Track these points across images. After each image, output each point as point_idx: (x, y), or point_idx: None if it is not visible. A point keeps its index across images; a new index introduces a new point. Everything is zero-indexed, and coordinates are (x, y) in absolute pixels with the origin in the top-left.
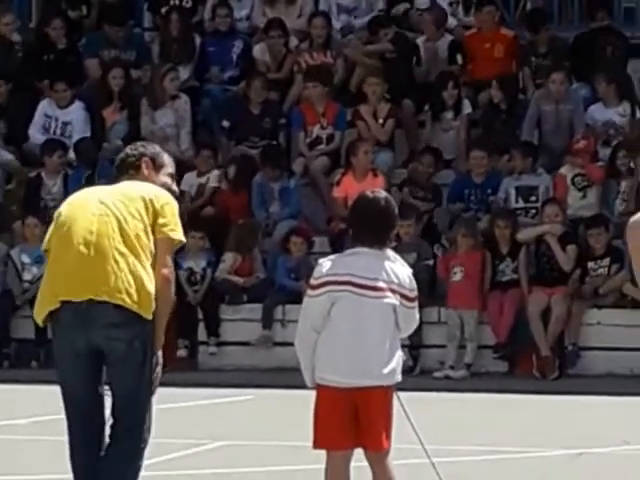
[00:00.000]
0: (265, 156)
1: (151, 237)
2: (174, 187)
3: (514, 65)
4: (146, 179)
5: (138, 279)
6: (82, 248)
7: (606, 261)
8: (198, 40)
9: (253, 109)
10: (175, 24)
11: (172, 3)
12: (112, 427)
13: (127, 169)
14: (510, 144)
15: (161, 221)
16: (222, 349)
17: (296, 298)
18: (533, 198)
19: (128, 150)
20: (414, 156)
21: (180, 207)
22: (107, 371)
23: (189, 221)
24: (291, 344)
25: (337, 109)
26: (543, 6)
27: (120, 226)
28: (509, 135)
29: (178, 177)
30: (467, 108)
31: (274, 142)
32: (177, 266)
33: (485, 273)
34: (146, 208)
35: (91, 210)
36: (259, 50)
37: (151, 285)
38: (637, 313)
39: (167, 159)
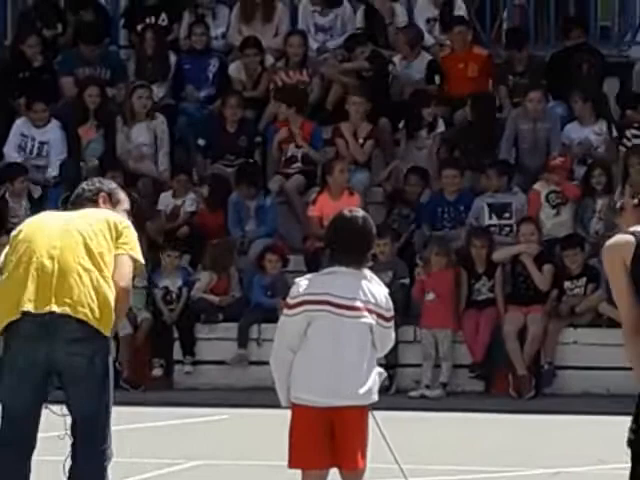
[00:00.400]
0: (241, 174)
1: (113, 256)
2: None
3: (489, 84)
4: None
5: (101, 295)
6: (46, 261)
7: (582, 280)
8: (174, 58)
9: (229, 127)
10: (150, 42)
11: (148, 21)
12: (72, 447)
13: (83, 204)
14: (486, 163)
15: (122, 240)
16: (197, 368)
17: (272, 316)
18: (507, 215)
19: (85, 185)
20: (397, 175)
21: (155, 225)
22: (66, 390)
23: (165, 240)
24: (267, 363)
25: (312, 128)
26: (519, 24)
27: (85, 242)
28: (485, 154)
29: (155, 196)
30: (441, 127)
31: (250, 160)
32: (153, 285)
33: (460, 292)
34: (109, 229)
35: (55, 228)
36: (235, 68)
37: (113, 303)
38: (613, 332)
39: (123, 196)
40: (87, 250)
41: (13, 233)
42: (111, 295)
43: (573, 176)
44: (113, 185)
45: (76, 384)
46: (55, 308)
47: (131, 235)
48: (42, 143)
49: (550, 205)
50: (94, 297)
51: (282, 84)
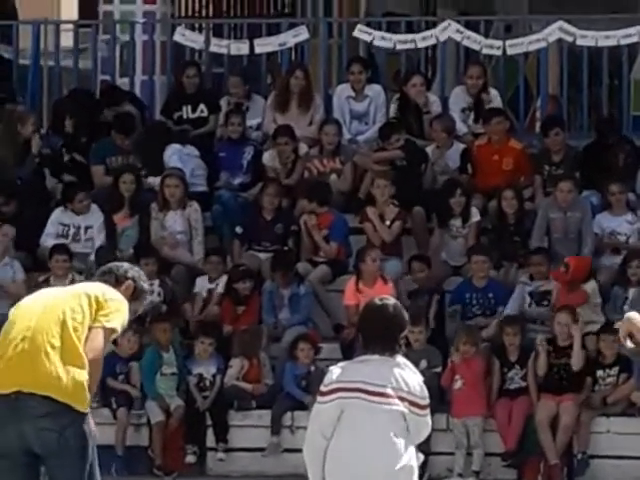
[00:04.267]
0: (276, 261)
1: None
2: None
3: (523, 176)
4: None
5: (70, 372)
6: (18, 343)
7: (615, 370)
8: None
9: (266, 215)
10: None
11: (185, 110)
12: None
13: (108, 280)
14: (520, 254)
15: (101, 312)
16: (230, 455)
17: (304, 405)
18: (545, 302)
19: (126, 265)
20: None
21: (191, 310)
22: (45, 468)
23: (198, 327)
24: (300, 451)
25: (332, 218)
26: (554, 114)
27: (62, 320)
28: (519, 244)
29: (189, 284)
30: (476, 216)
31: (285, 247)
32: (187, 371)
33: (492, 380)
34: (89, 304)
35: (37, 307)
36: (269, 156)
37: (85, 377)
38: None
39: (144, 302)
40: (62, 327)
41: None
42: (81, 370)
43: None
44: (146, 286)
45: (50, 459)
46: (20, 387)
47: (115, 306)
48: (87, 227)
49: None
50: (62, 374)
51: (313, 174)
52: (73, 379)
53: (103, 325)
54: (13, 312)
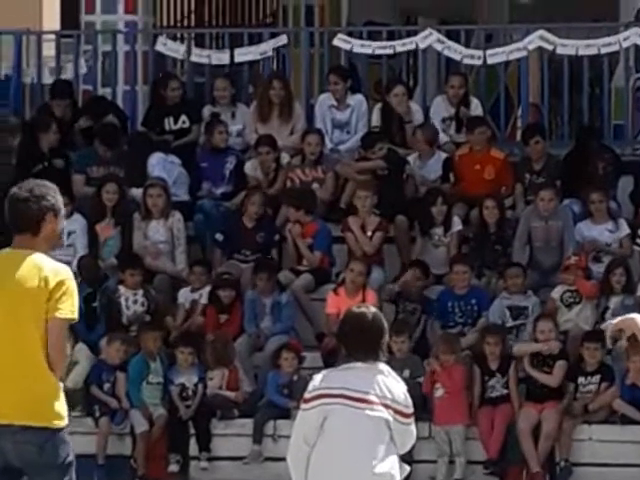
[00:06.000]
0: (259, 268)
1: (43, 321)
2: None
3: (504, 185)
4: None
5: (36, 392)
6: None
7: (596, 378)
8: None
9: (247, 223)
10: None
11: (167, 121)
12: None
13: (21, 229)
14: (501, 263)
15: (52, 301)
16: (213, 464)
17: (287, 413)
18: (522, 317)
19: (21, 197)
20: (404, 271)
21: (172, 321)
22: None
23: (179, 336)
24: (282, 459)
25: (316, 227)
26: (534, 122)
27: (13, 323)
28: (500, 253)
29: (172, 293)
30: (457, 225)
31: (268, 256)
32: (169, 381)
33: (473, 388)
34: (39, 293)
35: None
36: (251, 166)
37: (53, 389)
38: (628, 429)
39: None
40: (18, 332)
41: None
42: (44, 385)
43: (589, 274)
44: (59, 197)
45: (31, 473)
46: None
47: (63, 289)
48: (70, 233)
49: (564, 305)
50: (28, 399)
51: (295, 184)
52: (40, 399)
53: (56, 316)
54: None
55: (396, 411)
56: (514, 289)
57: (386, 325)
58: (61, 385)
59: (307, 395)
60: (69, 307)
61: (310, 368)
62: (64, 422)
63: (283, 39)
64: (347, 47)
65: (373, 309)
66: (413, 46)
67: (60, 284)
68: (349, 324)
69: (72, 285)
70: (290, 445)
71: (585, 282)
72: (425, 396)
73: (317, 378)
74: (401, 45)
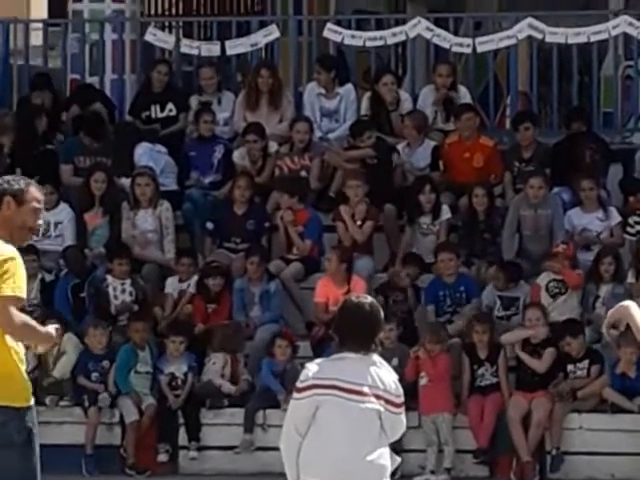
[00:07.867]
0: (251, 252)
1: None
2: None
3: (494, 173)
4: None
5: None
6: None
7: (585, 363)
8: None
9: (237, 210)
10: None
11: (153, 109)
12: None
13: None
14: (490, 251)
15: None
16: (203, 454)
17: (277, 403)
18: (513, 308)
19: None
20: (394, 261)
21: (162, 310)
22: None
23: (170, 325)
24: (273, 449)
25: (307, 216)
26: (524, 110)
27: None
28: (489, 241)
29: (161, 282)
30: (446, 213)
31: (258, 243)
32: (159, 371)
33: (462, 377)
34: None
35: None
36: (239, 155)
37: (12, 368)
38: (618, 417)
39: (33, 195)
40: None
41: None
42: (3, 366)
43: (576, 263)
44: (22, 183)
45: None
46: None
47: (4, 268)
48: (57, 223)
49: (549, 295)
50: None
51: (284, 172)
52: (1, 379)
53: (1, 295)
54: None
55: (387, 401)
56: (500, 285)
57: (383, 317)
58: (23, 367)
59: (299, 385)
60: (10, 285)
61: (301, 357)
62: (26, 403)
63: (275, 32)
64: (337, 39)
65: (370, 299)
66: (404, 37)
67: (1, 264)
68: (346, 314)
69: (14, 264)
70: (282, 434)
71: (571, 272)
72: (415, 384)
73: (310, 368)
74: (392, 36)
